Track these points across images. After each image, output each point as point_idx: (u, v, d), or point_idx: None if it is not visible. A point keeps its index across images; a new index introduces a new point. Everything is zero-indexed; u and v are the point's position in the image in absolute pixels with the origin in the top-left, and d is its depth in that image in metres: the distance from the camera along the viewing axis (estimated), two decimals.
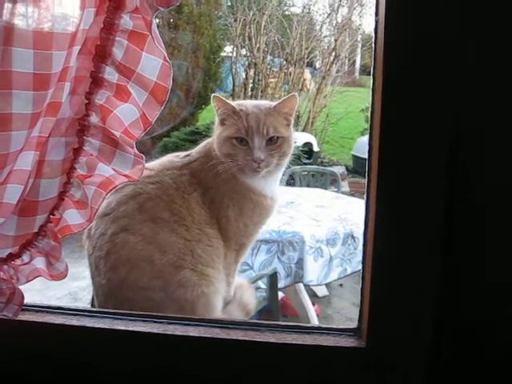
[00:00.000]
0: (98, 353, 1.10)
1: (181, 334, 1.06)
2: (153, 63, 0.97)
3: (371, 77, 0.99)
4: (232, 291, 1.56)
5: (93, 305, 3.31)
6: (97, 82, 0.98)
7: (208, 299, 1.41)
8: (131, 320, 1.11)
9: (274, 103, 1.50)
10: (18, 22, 0.90)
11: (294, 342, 1.04)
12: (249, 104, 1.53)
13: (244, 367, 1.06)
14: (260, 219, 1.52)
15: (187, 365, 1.07)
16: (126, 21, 0.94)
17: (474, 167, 0.92)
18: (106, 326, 1.09)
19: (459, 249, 0.95)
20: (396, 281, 0.97)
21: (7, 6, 0.89)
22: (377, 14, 0.95)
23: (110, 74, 0.98)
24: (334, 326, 1.09)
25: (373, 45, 0.98)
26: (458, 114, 0.91)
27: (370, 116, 0.99)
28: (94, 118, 1.00)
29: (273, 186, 1.53)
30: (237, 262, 1.54)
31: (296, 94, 1.51)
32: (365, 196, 1.02)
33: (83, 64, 0.97)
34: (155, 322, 1.10)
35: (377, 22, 0.95)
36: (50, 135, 0.97)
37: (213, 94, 1.49)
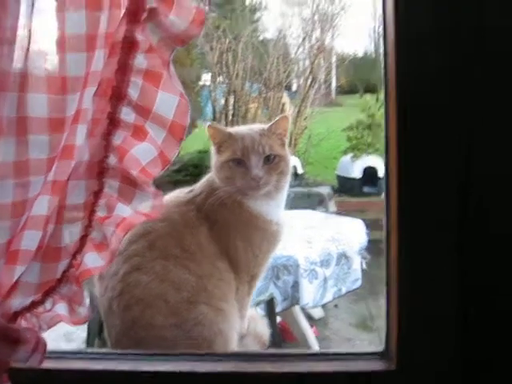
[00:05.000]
0: None
1: (211, 371, 1.04)
2: (169, 101, 0.96)
3: (382, 82, 0.99)
4: (246, 324, 1.54)
5: (88, 343, 3.25)
6: (114, 123, 0.97)
7: (224, 336, 1.39)
8: (156, 360, 1.09)
9: (266, 125, 1.51)
10: (32, 68, 0.90)
11: (324, 370, 1.03)
12: (242, 128, 1.55)
13: None
14: (269, 247, 1.51)
15: None
16: (140, 60, 0.94)
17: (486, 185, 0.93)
18: (130, 368, 1.07)
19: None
20: (424, 298, 0.97)
21: (20, 53, 0.89)
22: (384, 11, 0.96)
23: (127, 115, 0.97)
24: (359, 351, 1.08)
25: (382, 46, 0.98)
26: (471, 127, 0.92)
27: (384, 124, 1.00)
28: (112, 159, 0.99)
29: (277, 210, 1.52)
30: (249, 294, 1.53)
31: (287, 114, 1.52)
32: (384, 212, 1.03)
33: (99, 106, 0.96)
34: (182, 359, 1.08)
35: (385, 20, 0.96)
36: (70, 179, 0.96)
37: (207, 124, 1.49)
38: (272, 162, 1.45)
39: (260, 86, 8.79)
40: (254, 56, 8.65)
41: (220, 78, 8.95)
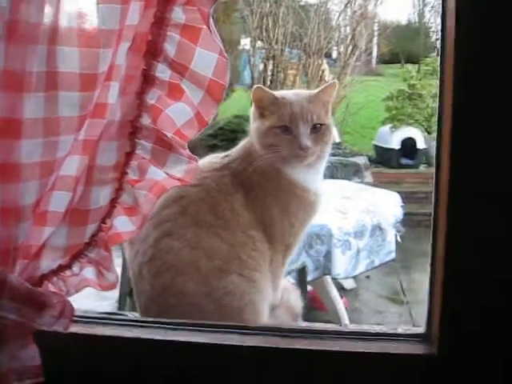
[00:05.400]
0: (151, 365, 1.05)
1: (238, 344, 1.01)
2: (208, 58, 0.91)
3: (438, 62, 0.93)
4: (279, 295, 1.50)
5: (120, 303, 3.28)
6: (148, 80, 0.92)
7: (255, 307, 1.36)
8: (186, 330, 1.06)
9: (313, 91, 1.45)
10: (62, 19, 0.85)
11: (359, 351, 0.98)
12: (289, 92, 1.48)
13: (306, 378, 1.00)
14: (305, 216, 1.46)
15: (246, 376, 1.02)
16: (177, 14, 0.88)
17: None
18: (161, 337, 1.04)
19: None
20: (474, 277, 0.91)
21: (50, 5, 0.84)
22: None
23: (162, 72, 0.92)
24: (399, 332, 1.03)
25: (440, 32, 0.92)
26: None
27: (438, 103, 0.95)
28: (146, 119, 0.94)
29: (316, 179, 1.46)
30: (284, 264, 1.48)
31: (336, 81, 1.46)
32: (433, 184, 0.97)
33: (133, 62, 0.91)
34: (212, 331, 1.05)
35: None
36: (100, 139, 0.92)
37: (255, 85, 1.44)
38: (319, 131, 1.39)
39: (300, 52, 8.67)
40: (294, 21, 8.52)
41: (259, 43, 8.85)
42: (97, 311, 1.27)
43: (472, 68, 0.88)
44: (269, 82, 8.44)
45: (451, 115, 0.90)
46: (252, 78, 8.77)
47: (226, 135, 6.41)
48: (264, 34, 8.46)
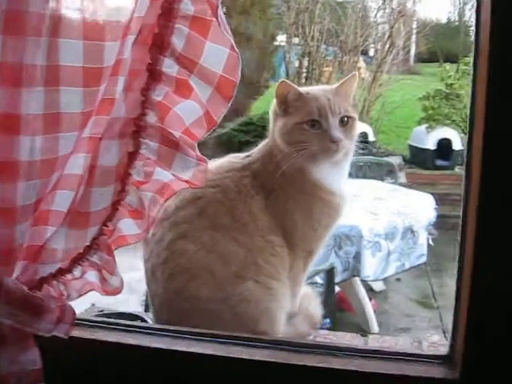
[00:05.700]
0: (152, 376, 1.01)
1: (246, 357, 0.95)
2: (218, 53, 0.85)
3: (472, 64, 0.86)
4: (298, 302, 1.44)
5: (148, 297, 3.25)
6: (154, 75, 0.86)
7: (271, 316, 1.30)
8: (193, 339, 1.01)
9: (334, 85, 1.41)
10: (66, 12, 0.80)
11: (375, 371, 0.91)
12: (313, 87, 1.43)
13: None
14: (329, 221, 1.39)
15: None
16: (186, 5, 0.83)
17: None
18: (165, 346, 0.99)
19: None
20: (504, 293, 0.84)
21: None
22: None
23: (169, 67, 0.87)
24: (420, 352, 0.97)
25: (474, 29, 0.85)
26: None
27: (470, 103, 0.89)
28: (152, 118, 0.89)
29: (340, 179, 1.40)
30: (305, 270, 1.41)
31: (356, 73, 1.41)
32: (462, 193, 0.90)
33: (139, 55, 0.86)
34: (219, 342, 0.99)
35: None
36: (103, 137, 0.87)
37: (280, 79, 1.38)
38: (347, 123, 1.34)
39: (336, 49, 8.61)
40: (331, 18, 8.48)
41: (295, 40, 8.82)
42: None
43: (508, 65, 0.81)
44: (304, 79, 8.41)
45: (484, 116, 0.83)
46: (287, 75, 8.73)
47: (258, 131, 6.39)
48: (300, 30, 8.44)
